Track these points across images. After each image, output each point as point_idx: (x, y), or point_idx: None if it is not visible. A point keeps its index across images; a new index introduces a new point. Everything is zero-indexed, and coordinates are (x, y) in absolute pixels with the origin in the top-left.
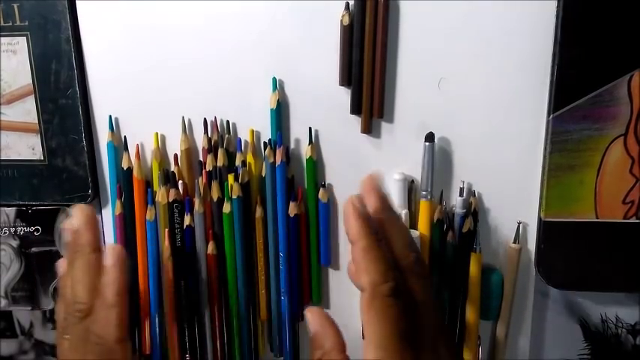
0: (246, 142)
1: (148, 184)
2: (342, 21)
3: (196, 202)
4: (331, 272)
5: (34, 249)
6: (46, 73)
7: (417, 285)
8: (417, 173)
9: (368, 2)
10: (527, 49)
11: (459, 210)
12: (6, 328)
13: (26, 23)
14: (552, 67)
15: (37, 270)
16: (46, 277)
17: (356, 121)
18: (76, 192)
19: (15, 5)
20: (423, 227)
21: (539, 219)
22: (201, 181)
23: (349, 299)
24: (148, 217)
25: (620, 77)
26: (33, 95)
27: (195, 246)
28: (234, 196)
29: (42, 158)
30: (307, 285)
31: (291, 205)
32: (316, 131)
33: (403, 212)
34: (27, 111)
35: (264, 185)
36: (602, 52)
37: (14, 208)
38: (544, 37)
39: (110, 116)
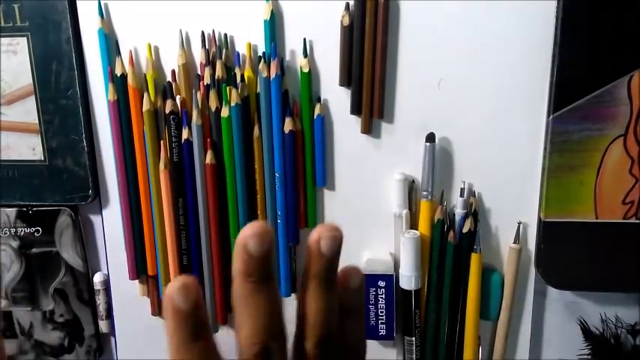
0: (244, 56)
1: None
2: (342, 21)
3: (194, 113)
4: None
5: (34, 250)
6: (47, 74)
7: None
8: (417, 173)
9: (368, 2)
10: (527, 49)
11: (459, 210)
12: (6, 329)
13: (27, 24)
14: (552, 67)
15: (38, 271)
16: (46, 278)
17: (356, 122)
18: (77, 192)
19: (15, 6)
20: (423, 227)
21: (539, 219)
22: (200, 93)
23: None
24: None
25: (620, 77)
26: (33, 95)
27: (193, 160)
28: (232, 104)
29: (42, 159)
30: (303, 209)
31: (287, 120)
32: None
33: (404, 212)
34: (27, 111)
35: (260, 102)
36: (602, 53)
37: (15, 209)
38: (544, 38)
39: (99, 2)
